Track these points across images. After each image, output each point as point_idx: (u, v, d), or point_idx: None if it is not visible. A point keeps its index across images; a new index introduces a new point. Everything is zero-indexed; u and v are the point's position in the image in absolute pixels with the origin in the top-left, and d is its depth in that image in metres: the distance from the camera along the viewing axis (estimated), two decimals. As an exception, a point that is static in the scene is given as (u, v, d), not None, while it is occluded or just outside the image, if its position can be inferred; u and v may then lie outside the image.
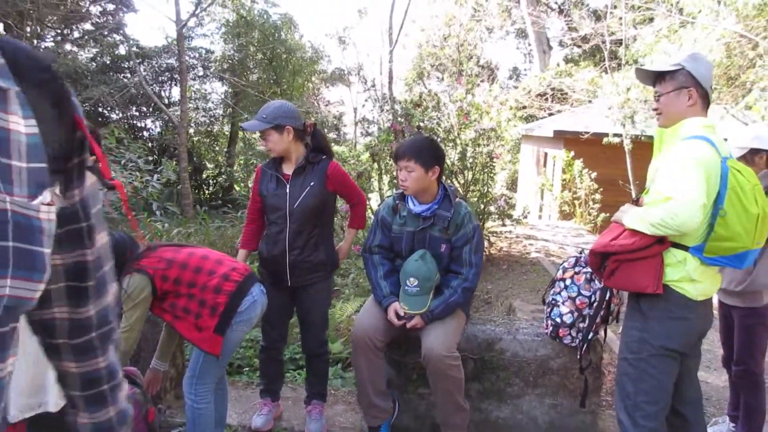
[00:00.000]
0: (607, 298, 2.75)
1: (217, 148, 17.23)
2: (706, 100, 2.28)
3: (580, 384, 3.00)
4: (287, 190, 2.89)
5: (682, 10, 9.61)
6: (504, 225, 8.49)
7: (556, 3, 24.64)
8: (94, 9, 15.79)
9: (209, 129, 16.78)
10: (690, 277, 2.22)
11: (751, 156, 2.89)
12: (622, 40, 12.99)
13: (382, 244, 2.97)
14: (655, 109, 2.38)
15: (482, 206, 7.91)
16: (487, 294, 7.15)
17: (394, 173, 7.29)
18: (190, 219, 10.16)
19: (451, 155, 7.89)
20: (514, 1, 22.13)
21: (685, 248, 2.22)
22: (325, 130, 14.30)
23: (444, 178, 3.15)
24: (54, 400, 1.87)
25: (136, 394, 2.91)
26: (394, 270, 2.95)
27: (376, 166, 7.16)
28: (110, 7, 15.55)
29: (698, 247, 2.22)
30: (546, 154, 15.34)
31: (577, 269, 2.89)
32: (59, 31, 16.01)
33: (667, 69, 2.32)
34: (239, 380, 3.80)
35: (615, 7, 13.13)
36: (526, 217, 9.22)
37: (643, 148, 2.63)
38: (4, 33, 13.95)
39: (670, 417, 2.42)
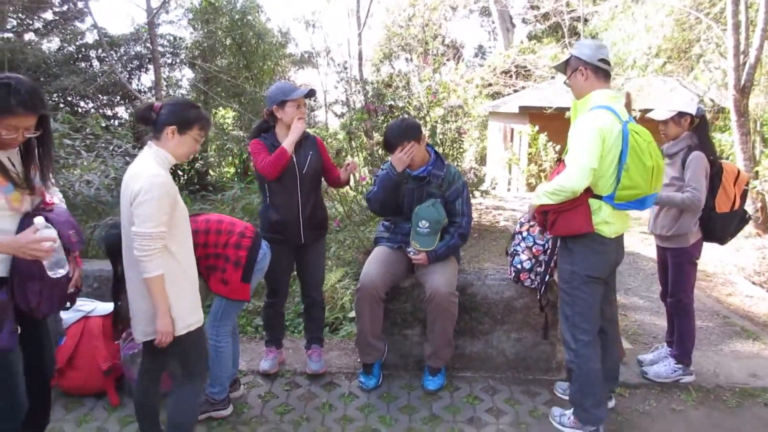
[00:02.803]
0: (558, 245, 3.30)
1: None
2: (600, 72, 2.85)
3: (541, 320, 3.55)
4: (294, 159, 3.31)
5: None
6: (473, 197, 9.00)
7: (517, -20, 25.03)
8: (55, -2, 15.69)
9: (182, 116, 16.85)
10: (605, 221, 2.83)
11: (678, 118, 3.43)
12: (580, 16, 13.53)
13: None
14: (569, 91, 2.96)
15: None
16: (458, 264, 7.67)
17: (368, 150, 7.76)
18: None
19: (423, 132, 8.36)
20: (476, -21, 22.47)
21: (599, 198, 2.80)
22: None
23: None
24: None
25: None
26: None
27: (352, 144, 7.57)
28: (72, -5, 15.48)
29: (609, 196, 2.81)
30: (512, 129, 15.91)
31: (531, 223, 3.41)
32: (20, 20, 15.88)
33: (563, 60, 2.94)
34: (243, 335, 4.24)
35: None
36: (494, 188, 9.74)
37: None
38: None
39: None
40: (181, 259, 2.43)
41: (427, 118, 8.34)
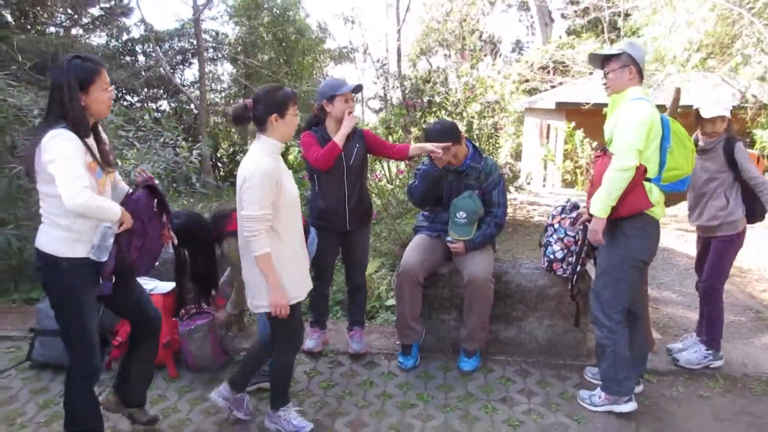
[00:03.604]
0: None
1: (230, 128, 17.82)
2: (640, 75, 3.06)
3: (572, 308, 3.70)
4: (342, 152, 3.52)
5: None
6: (508, 192, 9.12)
7: (557, -25, 24.76)
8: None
9: (224, 109, 17.38)
10: (657, 201, 3.02)
11: (724, 116, 3.50)
12: (620, 11, 13.43)
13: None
14: (604, 84, 3.11)
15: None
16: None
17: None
18: (212, 195, 10.83)
19: (460, 127, 8.51)
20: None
21: (649, 180, 2.96)
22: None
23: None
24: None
25: (211, 324, 3.66)
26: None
27: (390, 138, 7.77)
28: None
29: (657, 178, 3.02)
30: (549, 125, 15.88)
31: (563, 215, 3.59)
32: (69, 16, 16.50)
33: (613, 52, 3.06)
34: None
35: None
36: (529, 183, 9.82)
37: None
38: (17, 21, 14.50)
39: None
40: (285, 239, 2.69)
41: (464, 114, 8.50)
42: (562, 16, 24.95)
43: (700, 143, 3.58)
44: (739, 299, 5.57)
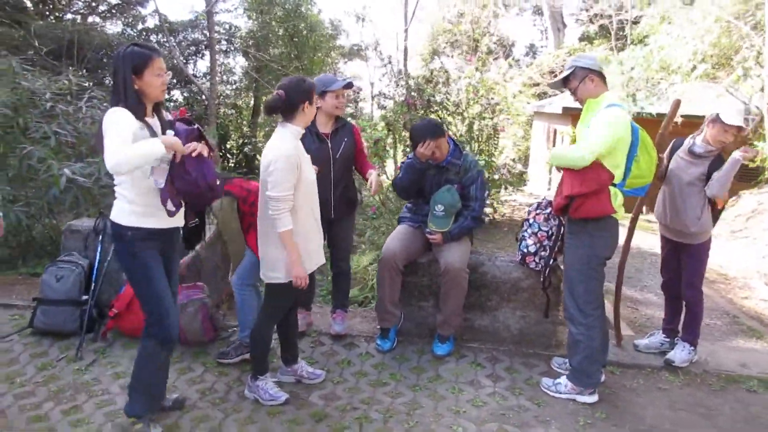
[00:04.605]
0: (562, 232, 3.66)
1: (240, 120, 18.12)
2: (603, 78, 3.26)
3: (544, 300, 3.90)
4: (329, 145, 3.76)
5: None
6: (506, 189, 9.29)
7: (570, -19, 24.83)
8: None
9: (234, 101, 17.68)
10: (620, 205, 3.23)
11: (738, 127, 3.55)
12: (628, 19, 13.56)
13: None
14: (576, 100, 3.32)
15: (487, 175, 8.73)
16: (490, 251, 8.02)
17: (408, 143, 8.14)
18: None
19: (459, 127, 8.70)
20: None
21: (614, 185, 3.15)
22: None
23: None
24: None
25: (204, 300, 3.88)
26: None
27: (391, 136, 7.97)
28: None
29: (621, 184, 3.21)
30: (555, 130, 16.01)
31: (537, 211, 3.78)
32: (86, 3, 16.83)
33: (565, 74, 3.29)
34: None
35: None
36: (525, 184, 9.98)
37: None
38: (36, 7, 14.82)
39: None
40: (301, 216, 2.99)
41: (465, 114, 8.69)
42: (577, 20, 25.06)
43: (696, 147, 3.60)
44: (719, 304, 5.75)
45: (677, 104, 3.53)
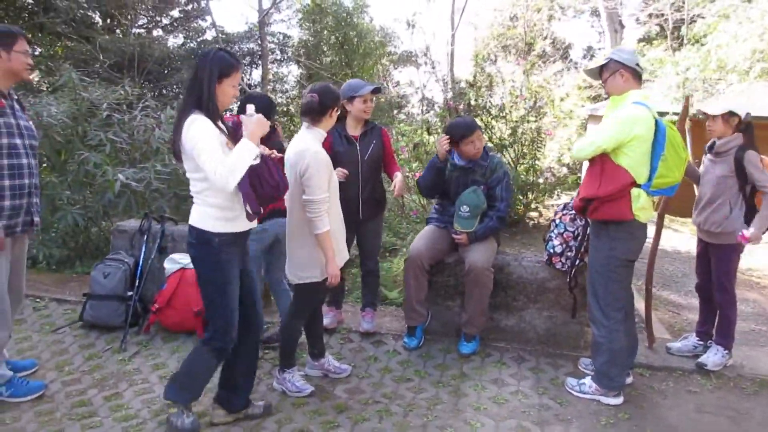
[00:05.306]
0: (588, 232, 3.64)
1: (292, 127, 18.53)
2: (636, 75, 3.20)
3: (570, 300, 3.89)
4: (358, 147, 3.91)
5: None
6: (551, 196, 9.17)
7: (628, -19, 24.18)
8: (182, -3, 17.29)
9: (286, 109, 18.12)
10: (643, 207, 3.16)
11: (728, 117, 3.60)
12: (684, 19, 13.16)
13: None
14: (606, 93, 3.29)
15: (530, 178, 8.67)
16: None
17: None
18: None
19: (503, 130, 8.67)
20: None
21: (638, 186, 3.11)
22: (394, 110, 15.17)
23: (495, 150, 4.14)
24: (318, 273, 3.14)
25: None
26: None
27: (431, 138, 8.04)
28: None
29: (647, 185, 3.14)
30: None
31: (564, 211, 3.78)
32: (150, 17, 17.66)
33: (601, 63, 3.27)
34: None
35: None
36: (569, 189, 9.82)
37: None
38: (104, 23, 15.67)
39: None
40: (329, 215, 3.09)
41: (508, 117, 8.65)
42: (637, 20, 24.37)
43: (715, 145, 3.66)
44: (767, 309, 5.53)
45: (687, 102, 3.54)
